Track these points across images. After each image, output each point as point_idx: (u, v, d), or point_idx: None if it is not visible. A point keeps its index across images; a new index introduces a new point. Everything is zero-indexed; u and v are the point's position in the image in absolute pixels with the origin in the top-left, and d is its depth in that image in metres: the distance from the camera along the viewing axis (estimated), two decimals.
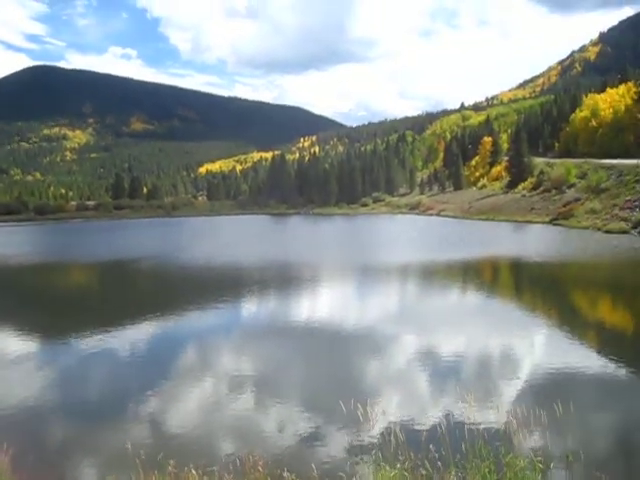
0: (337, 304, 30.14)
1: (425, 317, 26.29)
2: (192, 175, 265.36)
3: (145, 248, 62.64)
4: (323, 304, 30.18)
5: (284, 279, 38.30)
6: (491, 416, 13.37)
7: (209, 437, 13.39)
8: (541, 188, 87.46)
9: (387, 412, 13.26)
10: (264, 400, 15.42)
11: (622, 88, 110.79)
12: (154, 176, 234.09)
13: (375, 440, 11.17)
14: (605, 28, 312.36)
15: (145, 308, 29.82)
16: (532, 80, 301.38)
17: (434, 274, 39.09)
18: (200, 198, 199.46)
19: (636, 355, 20.18)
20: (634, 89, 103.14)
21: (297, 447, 12.63)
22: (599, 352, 19.89)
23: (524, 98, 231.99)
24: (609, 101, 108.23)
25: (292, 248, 58.26)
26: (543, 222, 71.78)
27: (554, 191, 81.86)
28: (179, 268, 44.65)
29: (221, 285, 36.64)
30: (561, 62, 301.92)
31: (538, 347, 21.11)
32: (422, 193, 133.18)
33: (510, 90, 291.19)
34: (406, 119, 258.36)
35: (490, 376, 17.17)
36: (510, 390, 15.84)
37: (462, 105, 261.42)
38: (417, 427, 12.94)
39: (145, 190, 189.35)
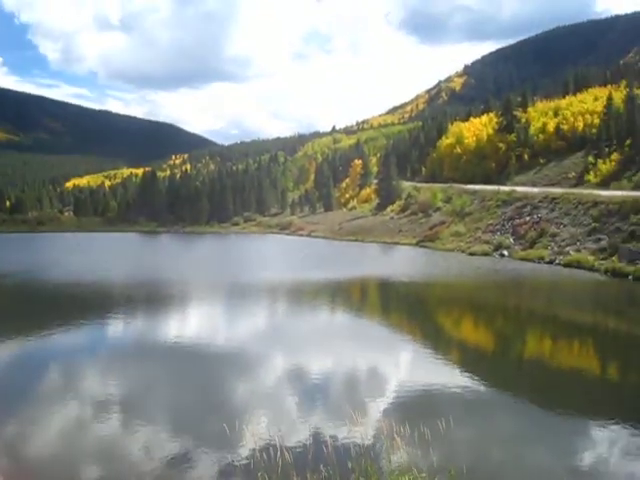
0: (207, 323, 29.42)
1: (296, 337, 25.98)
2: (58, 189, 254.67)
3: (8, 264, 59.01)
4: (193, 323, 29.36)
5: (153, 297, 37.11)
6: (373, 434, 13.27)
7: (70, 463, 12.47)
8: (409, 211, 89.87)
9: (268, 433, 12.89)
10: (130, 423, 14.63)
11: (485, 118, 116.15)
12: (18, 189, 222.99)
13: (260, 462, 10.61)
14: (470, 61, 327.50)
15: (4, 327, 27.93)
16: (401, 106, 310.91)
17: (304, 294, 38.95)
18: (66, 213, 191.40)
19: (496, 371, 20.70)
20: (495, 119, 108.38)
21: (166, 472, 11.96)
22: (463, 370, 20.21)
23: (393, 123, 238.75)
24: (473, 130, 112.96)
25: (162, 266, 56.64)
26: (410, 244, 73.60)
27: (421, 214, 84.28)
28: (45, 285, 42.39)
29: (89, 303, 34.90)
30: (429, 91, 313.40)
31: (407, 365, 21.26)
32: (293, 214, 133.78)
33: (380, 115, 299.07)
34: (278, 140, 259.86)
35: (367, 395, 17.10)
36: (387, 407, 15.81)
37: (334, 128, 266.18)
38: (301, 447, 12.58)
39: (8, 204, 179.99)
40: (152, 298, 36.97)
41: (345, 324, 29.36)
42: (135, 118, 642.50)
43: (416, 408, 15.90)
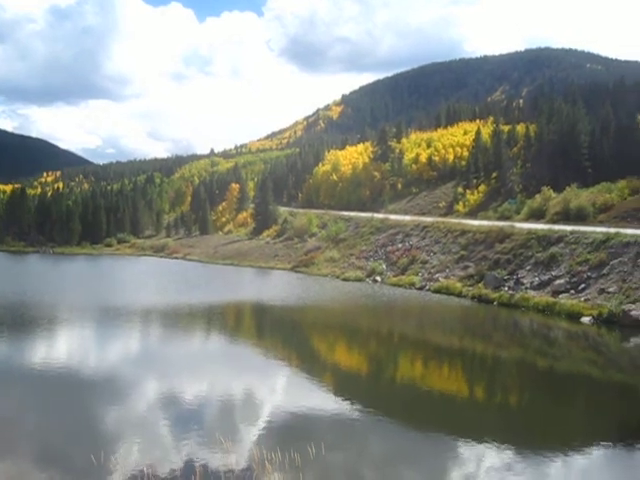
0: (75, 349, 28.27)
1: (168, 362, 25.37)
2: None
3: None
4: (60, 348, 28.14)
5: (19, 321, 35.19)
6: (244, 462, 13.02)
7: None
8: (285, 236, 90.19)
9: (138, 463, 12.43)
10: None
11: (361, 147, 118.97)
12: None
13: None
14: (348, 91, 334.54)
15: None
16: (280, 132, 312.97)
17: (178, 317, 38.18)
18: None
19: (369, 394, 20.90)
20: (371, 148, 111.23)
21: None
22: (337, 393, 20.31)
23: (272, 149, 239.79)
24: (349, 158, 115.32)
25: (28, 289, 53.85)
26: (285, 269, 73.74)
27: (297, 239, 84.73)
28: None
29: None
30: (307, 118, 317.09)
31: (282, 390, 21.14)
32: (168, 236, 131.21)
33: (259, 140, 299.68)
34: (155, 160, 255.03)
35: (240, 421, 16.86)
36: (259, 433, 15.61)
37: (212, 151, 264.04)
38: (171, 477, 12.15)
39: None
40: (17, 322, 35.13)
41: (219, 349, 28.97)
42: (4, 132, 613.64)
43: (288, 433, 15.80)
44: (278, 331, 35.84)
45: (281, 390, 21.43)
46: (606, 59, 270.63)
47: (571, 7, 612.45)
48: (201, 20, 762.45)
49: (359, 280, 58.31)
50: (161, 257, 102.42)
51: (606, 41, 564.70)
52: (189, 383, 21.50)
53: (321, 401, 18.98)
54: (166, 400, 19.01)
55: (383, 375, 24.90)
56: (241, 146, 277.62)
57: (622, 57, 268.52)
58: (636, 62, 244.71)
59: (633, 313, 32.82)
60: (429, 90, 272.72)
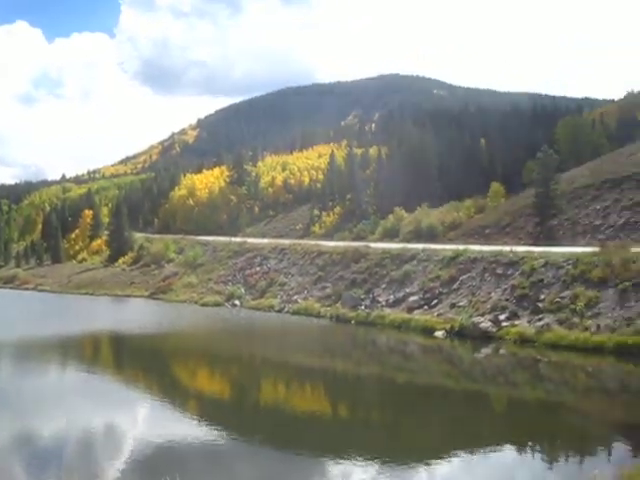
0: None
1: (22, 398, 23.90)
2: None
3: None
4: None
5: None
6: None
7: None
8: (141, 262, 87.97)
9: None
10: None
11: (217, 170, 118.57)
12: None
13: None
14: (203, 115, 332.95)
15: None
16: (134, 157, 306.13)
17: (30, 351, 36.22)
18: None
19: (233, 419, 20.66)
20: (227, 172, 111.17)
21: None
22: (200, 421, 19.97)
23: (126, 174, 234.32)
24: (205, 182, 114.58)
25: None
26: (143, 296, 71.88)
27: (153, 266, 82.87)
28: None
29: None
30: (162, 142, 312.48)
31: (143, 422, 20.51)
32: (18, 266, 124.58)
33: (113, 165, 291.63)
34: (3, 187, 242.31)
35: (99, 459, 16.22)
36: (117, 468, 15.00)
37: (63, 176, 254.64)
38: None
39: None
40: None
41: (75, 382, 27.78)
42: None
43: (149, 466, 15.29)
44: (137, 360, 34.82)
45: (142, 422, 20.80)
46: (450, 86, 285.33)
47: (418, 36, 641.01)
48: (50, 40, 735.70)
49: (218, 305, 57.72)
50: (11, 288, 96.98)
51: (450, 69, 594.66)
52: (44, 421, 20.42)
53: (184, 430, 18.57)
54: (19, 441, 17.93)
55: (247, 399, 24.70)
56: (94, 171, 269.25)
57: (464, 84, 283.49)
58: (477, 89, 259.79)
59: (482, 325, 34.34)
60: (284, 114, 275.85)
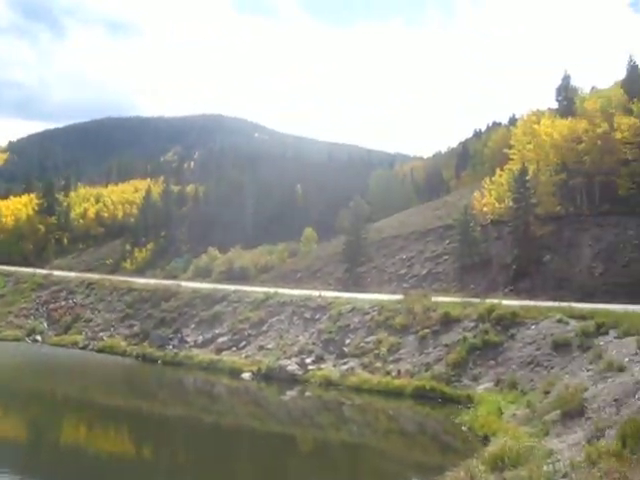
0: None
1: None
2: None
3: None
4: None
5: None
6: None
7: None
8: None
9: None
10: None
11: (25, 197, 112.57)
12: None
13: None
14: (15, 138, 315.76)
15: None
16: None
17: None
18: None
19: (29, 463, 19.72)
20: (36, 200, 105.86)
21: None
22: None
23: None
24: (12, 208, 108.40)
25: None
26: None
27: None
28: None
29: None
30: None
31: None
32: None
33: None
34: None
35: None
36: None
37: None
38: None
39: None
40: None
41: None
42: None
43: None
44: None
45: None
46: (272, 131, 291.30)
47: (244, 80, 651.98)
48: None
49: (17, 340, 54.41)
50: None
51: (273, 115, 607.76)
52: None
53: None
54: None
55: (45, 441, 23.57)
56: None
57: (285, 131, 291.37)
58: (297, 136, 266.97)
59: (289, 368, 35.05)
60: (102, 144, 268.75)
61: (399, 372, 31.30)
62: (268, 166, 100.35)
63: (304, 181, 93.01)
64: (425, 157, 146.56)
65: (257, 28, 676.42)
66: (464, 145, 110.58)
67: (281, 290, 46.78)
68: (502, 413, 22.00)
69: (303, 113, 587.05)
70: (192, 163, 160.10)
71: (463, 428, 22.31)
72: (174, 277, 63.85)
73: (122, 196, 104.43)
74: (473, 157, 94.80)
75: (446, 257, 54.01)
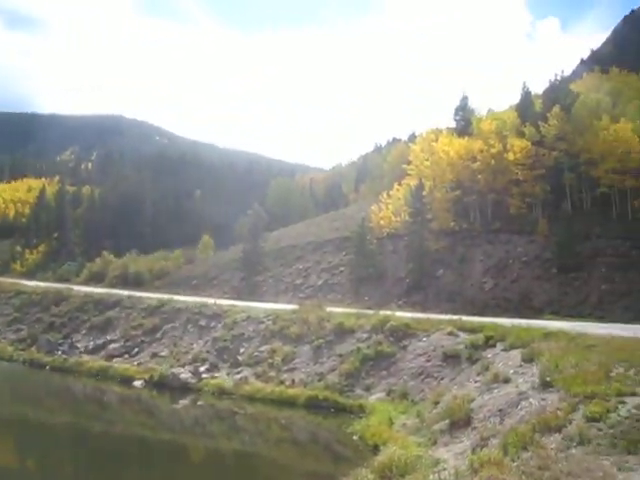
0: None
1: None
2: None
3: None
4: None
5: None
6: None
7: None
8: None
9: None
10: None
11: None
12: None
13: None
14: None
15: None
16: None
17: None
18: None
19: None
20: None
21: None
22: None
23: None
24: None
25: None
26: None
27: None
28: None
29: None
30: None
31: None
32: None
33: None
34: None
35: None
36: None
37: None
38: None
39: None
40: None
41: None
42: None
43: None
44: None
45: None
46: (173, 135, 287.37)
47: (145, 81, 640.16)
48: None
49: None
50: None
51: (172, 118, 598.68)
52: None
53: None
54: None
55: None
56: None
57: (187, 135, 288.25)
58: (198, 142, 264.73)
59: (182, 376, 34.51)
60: None
61: (293, 381, 31.37)
62: (167, 170, 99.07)
63: (203, 187, 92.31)
64: (325, 169, 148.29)
65: (161, 31, 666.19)
66: (364, 159, 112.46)
67: (176, 297, 46.18)
68: (393, 423, 22.38)
69: (204, 119, 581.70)
70: (90, 164, 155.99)
71: (354, 438, 22.57)
72: (66, 281, 61.94)
73: (14, 195, 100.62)
74: (372, 171, 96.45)
75: (342, 268, 54.78)
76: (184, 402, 32.19)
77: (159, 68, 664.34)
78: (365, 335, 32.65)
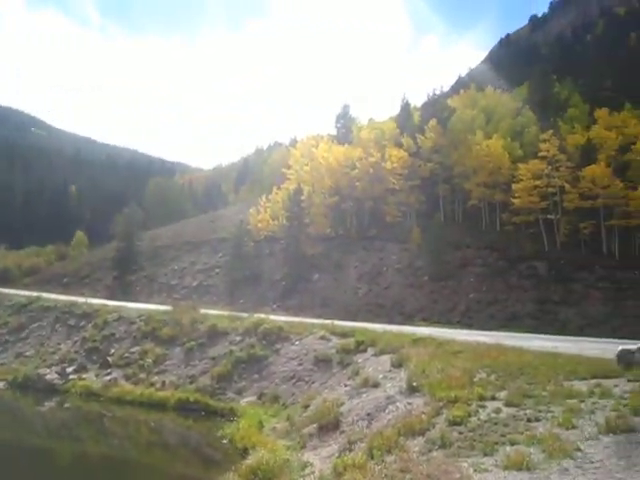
0: None
1: None
2: None
3: None
4: None
5: None
6: None
7: None
8: None
9: None
10: None
11: None
12: None
13: None
14: None
15: None
16: None
17: None
18: None
19: None
20: None
21: None
22: None
23: None
24: None
25: None
26: None
27: None
28: None
29: None
30: None
31: None
32: None
33: None
34: None
35: None
36: None
37: None
38: None
39: None
40: None
41: None
42: None
43: None
44: None
45: None
46: (50, 127, 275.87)
47: (24, 72, 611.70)
48: None
49: None
50: None
51: (50, 110, 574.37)
52: None
53: None
54: None
55: None
56: None
57: (63, 127, 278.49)
58: (76, 135, 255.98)
59: (48, 377, 33.32)
60: None
61: (163, 384, 30.85)
62: (43, 163, 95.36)
63: (80, 182, 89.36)
64: (206, 169, 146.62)
65: (43, 22, 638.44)
66: (245, 161, 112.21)
67: (45, 295, 44.49)
68: (263, 426, 22.38)
69: (83, 112, 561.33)
70: None
71: (224, 441, 22.42)
72: None
73: None
74: (253, 173, 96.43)
75: (218, 270, 54.45)
76: (50, 404, 31.04)
77: (37, 56, 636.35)
78: (238, 338, 32.54)
